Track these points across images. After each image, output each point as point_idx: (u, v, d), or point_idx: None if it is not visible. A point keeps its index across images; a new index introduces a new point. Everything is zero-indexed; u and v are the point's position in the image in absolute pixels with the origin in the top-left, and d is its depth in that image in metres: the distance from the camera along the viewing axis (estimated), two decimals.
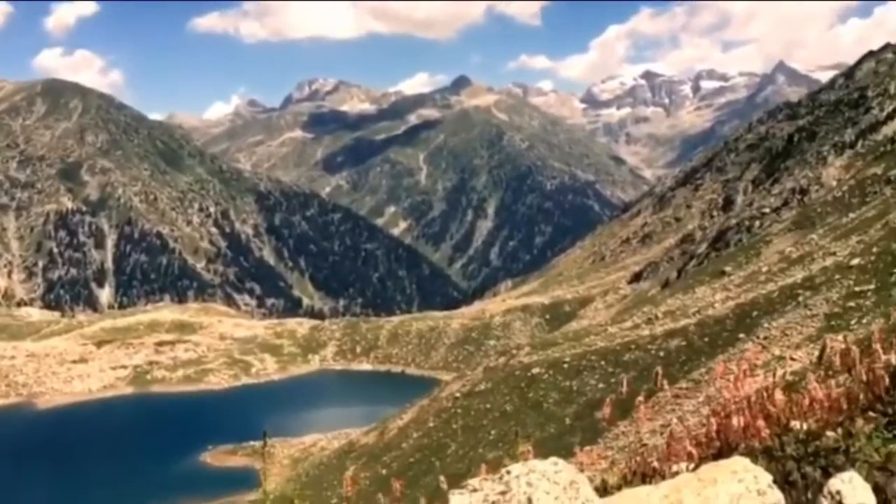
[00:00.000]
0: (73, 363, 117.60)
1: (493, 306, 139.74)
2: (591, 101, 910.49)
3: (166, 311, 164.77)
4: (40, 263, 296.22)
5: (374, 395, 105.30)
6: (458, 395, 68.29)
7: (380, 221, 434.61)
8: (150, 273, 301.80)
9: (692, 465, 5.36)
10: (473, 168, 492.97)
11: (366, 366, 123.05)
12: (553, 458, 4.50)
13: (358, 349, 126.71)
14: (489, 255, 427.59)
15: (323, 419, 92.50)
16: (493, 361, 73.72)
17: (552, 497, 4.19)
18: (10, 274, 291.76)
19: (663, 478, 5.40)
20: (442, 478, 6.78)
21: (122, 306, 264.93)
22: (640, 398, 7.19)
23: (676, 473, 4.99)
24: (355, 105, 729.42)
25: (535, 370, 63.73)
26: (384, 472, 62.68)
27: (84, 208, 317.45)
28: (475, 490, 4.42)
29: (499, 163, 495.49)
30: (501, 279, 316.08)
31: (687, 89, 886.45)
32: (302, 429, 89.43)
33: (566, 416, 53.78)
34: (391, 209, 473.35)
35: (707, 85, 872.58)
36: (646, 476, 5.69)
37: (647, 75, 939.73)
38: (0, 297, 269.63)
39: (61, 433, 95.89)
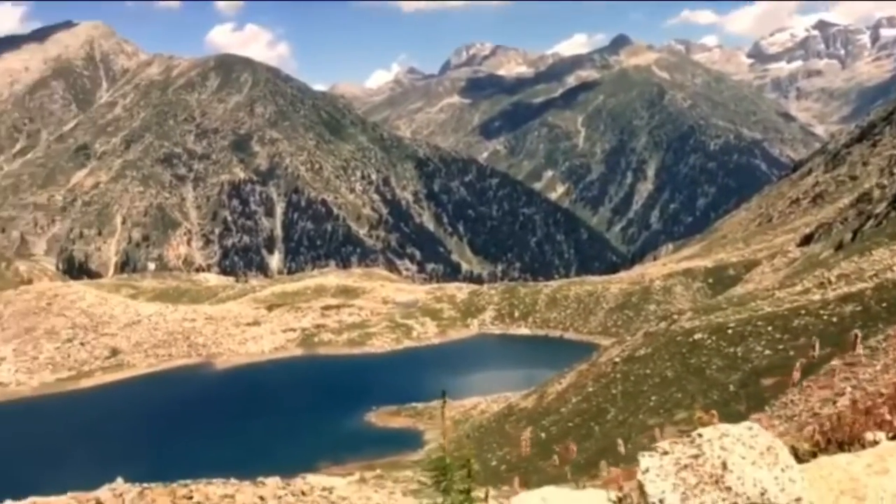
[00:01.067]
0: (247, 326, 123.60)
1: (653, 270, 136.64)
2: (759, 56, 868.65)
3: (332, 277, 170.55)
4: (216, 231, 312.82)
5: (533, 360, 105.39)
6: (617, 360, 67.28)
7: (537, 186, 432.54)
8: (316, 240, 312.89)
9: (891, 434, 5.03)
10: (633, 129, 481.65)
11: (524, 330, 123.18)
12: (747, 423, 4.34)
13: (516, 313, 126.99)
14: (649, 218, 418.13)
15: (482, 382, 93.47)
16: (654, 326, 72.09)
17: (748, 462, 4.05)
18: (189, 241, 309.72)
19: (863, 446, 5.20)
20: (619, 440, 6.48)
21: (290, 272, 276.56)
22: (835, 362, 6.68)
23: (876, 442, 4.67)
24: (512, 69, 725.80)
25: (698, 336, 61.84)
26: (543, 435, 62.67)
27: (255, 178, 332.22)
28: (665, 453, 4.33)
29: (659, 123, 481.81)
30: (662, 242, 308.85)
31: (865, 39, 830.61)
32: (462, 391, 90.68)
33: (730, 384, 51.91)
34: (549, 173, 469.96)
35: (887, 33, 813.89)
36: (843, 443, 5.39)
37: (821, 25, 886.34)
38: (181, 264, 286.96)
39: (237, 391, 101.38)
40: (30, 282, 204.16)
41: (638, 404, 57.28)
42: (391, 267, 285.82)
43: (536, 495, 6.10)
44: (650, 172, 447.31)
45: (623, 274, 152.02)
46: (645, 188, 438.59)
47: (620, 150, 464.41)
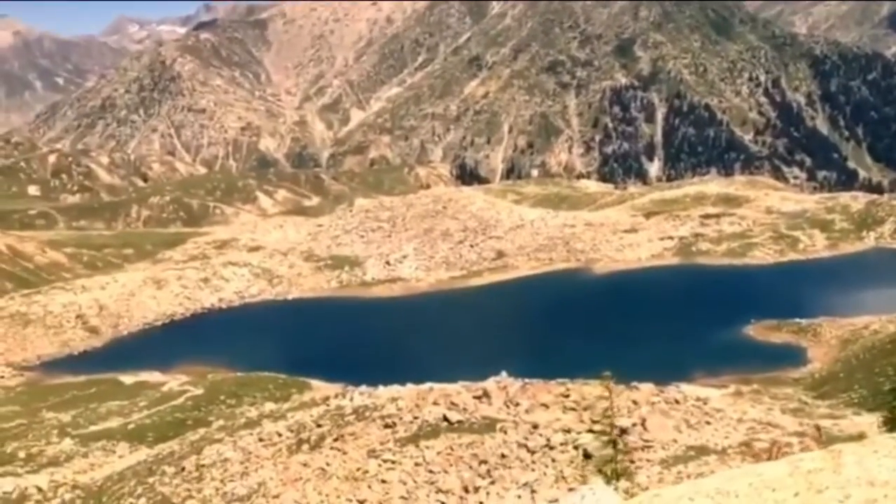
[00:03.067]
0: (625, 233, 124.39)
1: None
2: None
3: (712, 184, 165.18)
4: (596, 138, 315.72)
5: None
6: None
7: None
8: (697, 146, 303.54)
9: None
10: None
11: None
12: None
13: None
14: None
15: (877, 300, 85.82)
16: None
17: None
18: (570, 149, 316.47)
19: None
20: None
21: (669, 179, 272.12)
22: None
23: None
24: None
25: None
26: None
27: (636, 83, 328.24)
28: None
29: None
30: None
31: None
32: (852, 309, 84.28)
33: None
34: None
35: None
36: None
37: None
38: (562, 170, 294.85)
39: (614, 296, 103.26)
40: (428, 186, 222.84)
41: None
42: (777, 175, 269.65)
43: None
44: None
45: None
46: None
47: None
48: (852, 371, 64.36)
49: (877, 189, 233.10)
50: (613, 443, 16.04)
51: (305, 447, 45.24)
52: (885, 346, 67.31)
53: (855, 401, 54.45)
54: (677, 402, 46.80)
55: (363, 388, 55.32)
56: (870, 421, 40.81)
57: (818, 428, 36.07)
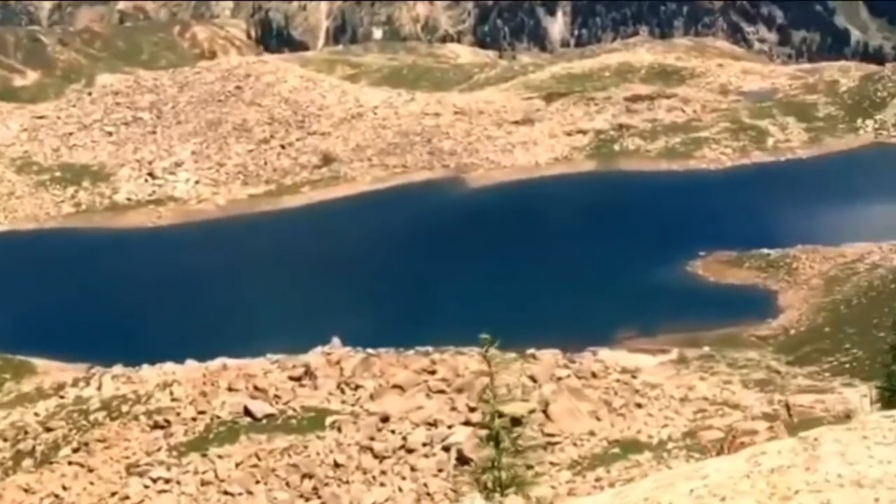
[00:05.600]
0: (515, 125, 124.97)
1: None
2: None
3: (642, 52, 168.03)
4: None
5: None
6: None
7: None
8: None
9: None
10: None
11: None
12: None
13: None
14: None
15: (877, 221, 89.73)
16: None
17: None
18: None
19: None
20: None
21: (579, 44, 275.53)
22: None
23: None
24: None
25: None
26: None
27: None
28: None
29: None
30: None
31: None
32: (841, 234, 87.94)
33: None
34: None
35: None
36: None
37: None
38: (419, 30, 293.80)
39: (498, 220, 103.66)
40: (212, 56, 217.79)
41: None
42: (735, 37, 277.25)
43: None
44: None
45: None
46: None
47: None
48: (842, 324, 67.29)
49: (875, 57, 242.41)
50: (496, 440, 16.09)
51: (28, 463, 44.08)
52: (890, 286, 70.53)
53: (846, 366, 57.05)
54: (594, 375, 47.86)
55: (118, 368, 54.12)
56: (865, 394, 42.74)
57: (788, 407, 37.56)
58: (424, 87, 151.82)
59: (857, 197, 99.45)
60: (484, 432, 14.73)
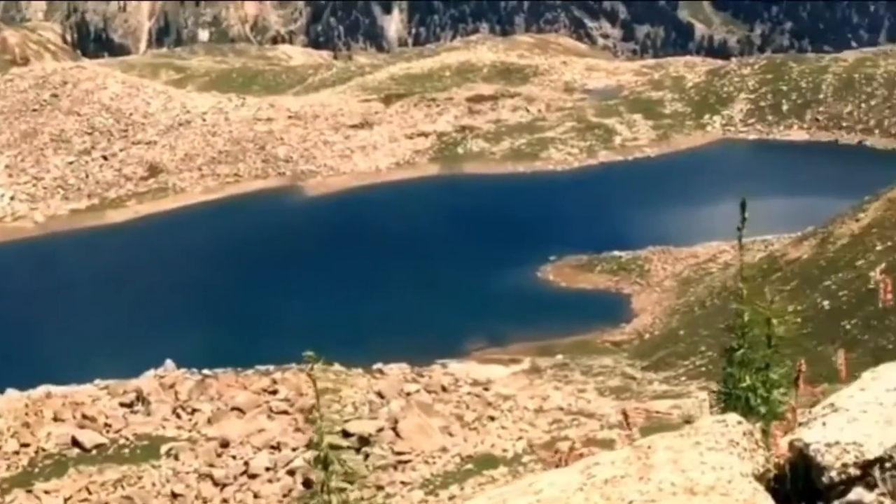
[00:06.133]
0: (353, 129, 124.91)
1: None
2: None
3: (483, 49, 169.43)
4: None
5: (811, 181, 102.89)
6: None
7: None
8: None
9: None
10: None
11: (797, 134, 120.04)
12: None
13: (784, 106, 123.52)
14: None
15: (728, 219, 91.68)
16: None
17: None
18: None
19: None
20: None
21: (417, 42, 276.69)
22: None
23: None
24: None
25: None
26: (826, 304, 61.88)
27: None
28: None
29: None
30: None
31: None
32: (693, 233, 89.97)
33: None
34: None
35: None
36: None
37: None
38: (248, 31, 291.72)
39: (339, 229, 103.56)
40: (25, 62, 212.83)
41: None
42: (579, 33, 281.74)
43: None
44: None
45: None
46: None
47: None
48: (696, 326, 68.81)
49: (721, 52, 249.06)
50: (325, 463, 15.89)
51: None
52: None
53: (702, 370, 58.25)
54: (445, 389, 48.02)
55: None
56: (705, 399, 43.71)
57: (626, 414, 37.97)
58: (256, 91, 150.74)
59: (706, 195, 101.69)
60: (311, 454, 14.58)
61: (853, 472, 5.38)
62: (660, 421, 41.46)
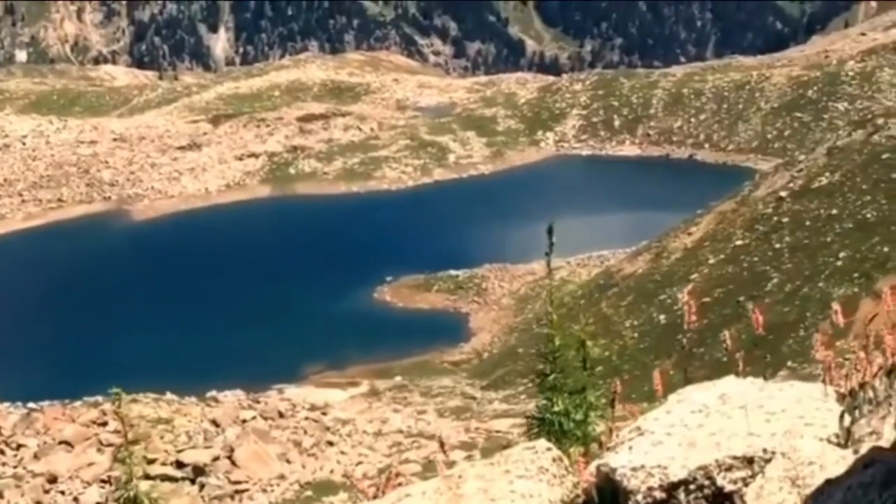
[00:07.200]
0: (181, 150, 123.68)
1: (842, 45, 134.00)
2: None
3: (313, 68, 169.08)
4: None
5: (644, 196, 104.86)
6: (783, 193, 66.79)
7: None
8: (287, 8, 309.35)
9: None
10: None
11: (629, 149, 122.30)
12: None
13: (616, 122, 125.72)
14: None
15: (563, 236, 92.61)
16: (843, 138, 71.11)
17: None
18: (80, 14, 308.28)
19: None
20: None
21: (245, 61, 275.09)
22: None
23: None
24: None
25: None
26: (662, 318, 63.08)
27: None
28: None
29: None
30: None
31: None
32: (528, 251, 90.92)
33: None
34: None
35: None
36: None
37: None
38: (68, 50, 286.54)
39: (167, 255, 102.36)
40: None
41: (816, 265, 57.09)
42: (410, 50, 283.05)
43: (713, 391, 6.24)
44: None
45: (794, 52, 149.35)
46: None
47: None
48: (535, 343, 69.29)
49: (552, 68, 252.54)
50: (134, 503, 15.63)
51: None
52: (578, 301, 73.42)
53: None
54: (282, 415, 47.81)
55: None
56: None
57: (441, 442, 38.19)
58: (78, 114, 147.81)
59: (542, 211, 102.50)
60: (120, 495, 14.28)
61: (658, 495, 5.55)
62: (500, 441, 41.79)
